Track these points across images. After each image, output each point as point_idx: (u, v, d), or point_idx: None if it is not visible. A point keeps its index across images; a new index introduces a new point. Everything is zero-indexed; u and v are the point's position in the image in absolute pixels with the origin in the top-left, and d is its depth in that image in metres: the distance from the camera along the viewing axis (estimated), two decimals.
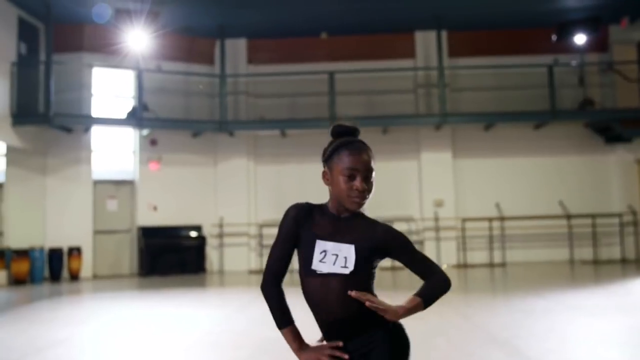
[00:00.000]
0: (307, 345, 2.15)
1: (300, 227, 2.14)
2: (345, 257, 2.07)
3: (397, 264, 2.20)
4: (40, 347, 5.61)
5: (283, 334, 2.19)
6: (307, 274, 2.13)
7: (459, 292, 9.82)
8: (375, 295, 2.06)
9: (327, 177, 2.14)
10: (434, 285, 2.13)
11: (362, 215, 2.14)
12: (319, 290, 2.11)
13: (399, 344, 2.12)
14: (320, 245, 2.10)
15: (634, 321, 6.37)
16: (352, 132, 2.15)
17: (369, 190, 2.09)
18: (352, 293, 2.00)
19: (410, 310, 2.04)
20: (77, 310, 8.71)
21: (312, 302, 2.15)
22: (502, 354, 4.94)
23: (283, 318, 2.20)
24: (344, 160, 2.08)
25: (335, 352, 2.08)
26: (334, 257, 2.08)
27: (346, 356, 2.07)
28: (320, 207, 2.17)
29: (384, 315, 1.99)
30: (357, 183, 2.06)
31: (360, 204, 2.10)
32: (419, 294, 2.08)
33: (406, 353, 2.13)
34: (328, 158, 2.13)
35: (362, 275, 2.07)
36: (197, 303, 9.00)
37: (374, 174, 2.11)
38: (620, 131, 13.92)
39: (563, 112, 13.95)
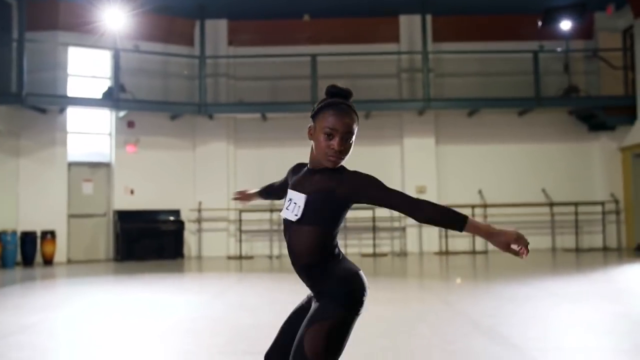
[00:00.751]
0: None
1: (289, 179, 2.43)
2: (298, 206, 2.25)
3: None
4: (4, 334, 5.34)
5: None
6: (282, 220, 2.37)
7: (441, 279, 9.68)
8: (332, 245, 2.23)
9: (311, 132, 2.28)
10: (426, 206, 2.14)
11: (335, 169, 2.25)
12: (285, 234, 2.33)
13: (346, 293, 2.21)
14: (289, 194, 2.32)
15: (618, 308, 6.25)
16: (345, 94, 2.27)
17: (346, 152, 2.23)
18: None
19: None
20: (49, 296, 8.43)
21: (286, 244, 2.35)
22: (485, 341, 4.77)
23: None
24: (327, 120, 2.21)
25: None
26: (293, 205, 2.27)
27: None
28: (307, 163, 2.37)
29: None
30: (335, 142, 2.20)
31: (335, 163, 2.23)
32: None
33: (353, 297, 2.21)
34: (315, 114, 2.28)
35: (314, 224, 2.21)
36: (174, 289, 8.76)
37: (354, 137, 2.24)
38: (604, 119, 13.85)
39: (547, 99, 13.84)
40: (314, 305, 2.25)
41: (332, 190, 2.19)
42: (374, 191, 2.15)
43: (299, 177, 2.35)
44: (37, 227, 12.53)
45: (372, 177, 2.17)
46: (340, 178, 2.20)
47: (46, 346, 4.92)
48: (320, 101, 2.29)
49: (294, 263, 2.29)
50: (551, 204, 13.98)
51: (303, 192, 2.25)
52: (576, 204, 13.81)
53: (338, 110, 2.20)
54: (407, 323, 5.72)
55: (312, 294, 2.32)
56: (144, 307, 7.03)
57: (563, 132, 14.45)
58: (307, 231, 2.22)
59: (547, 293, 7.36)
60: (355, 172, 2.21)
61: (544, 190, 14.22)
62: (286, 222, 2.31)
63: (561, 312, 6.09)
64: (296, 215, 2.24)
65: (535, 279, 8.69)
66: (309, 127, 2.28)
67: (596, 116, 13.93)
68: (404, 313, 6.31)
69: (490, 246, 13.85)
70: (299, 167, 2.45)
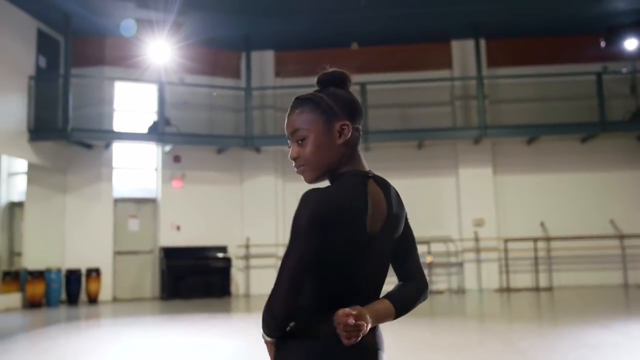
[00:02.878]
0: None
1: None
2: None
3: None
4: None
5: None
6: None
7: (504, 320, 8.88)
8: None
9: None
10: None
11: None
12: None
13: None
14: None
15: None
16: (338, 80, 1.74)
17: (305, 157, 1.66)
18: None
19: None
20: (90, 338, 8.01)
21: None
22: None
23: None
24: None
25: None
26: None
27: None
28: None
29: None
30: (290, 151, 1.71)
31: (304, 175, 1.69)
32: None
33: None
34: None
35: None
36: (220, 330, 8.24)
37: (307, 132, 1.66)
38: None
39: (613, 124, 12.94)
40: None
41: None
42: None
43: None
44: (83, 265, 12.26)
45: (296, 213, 1.57)
46: None
47: None
48: None
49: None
50: (621, 236, 12.99)
51: None
52: None
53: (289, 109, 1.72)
54: None
55: None
56: (188, 351, 6.52)
57: (631, 159, 13.49)
58: None
59: (636, 340, 6.52)
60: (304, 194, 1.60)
61: (612, 222, 13.24)
62: None
63: None
64: None
65: (614, 321, 7.83)
66: None
67: None
68: (456, 355, 5.61)
69: (556, 282, 12.95)
70: None
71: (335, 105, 1.70)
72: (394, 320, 1.68)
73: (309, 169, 1.68)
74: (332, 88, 1.73)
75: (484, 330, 7.83)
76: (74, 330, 8.93)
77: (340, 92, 1.73)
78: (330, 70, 1.75)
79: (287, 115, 1.73)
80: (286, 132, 1.72)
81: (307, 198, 1.56)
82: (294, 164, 1.71)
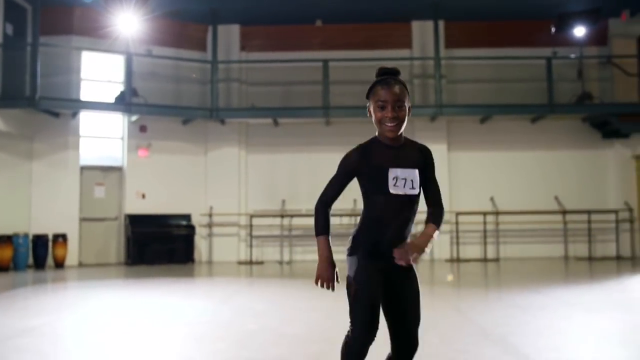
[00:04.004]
0: (331, 259, 2.66)
1: (363, 163, 2.65)
2: (412, 180, 2.64)
3: None
4: (6, 337, 5.33)
5: (318, 241, 2.69)
6: (381, 194, 2.64)
7: (453, 286, 9.58)
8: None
9: (370, 112, 2.67)
10: (440, 214, 2.78)
11: (408, 141, 2.72)
12: (391, 207, 2.64)
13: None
14: (392, 172, 2.62)
15: (634, 318, 6.14)
16: (393, 72, 2.66)
17: (401, 119, 2.60)
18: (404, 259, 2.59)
19: (430, 238, 2.67)
20: (57, 299, 8.43)
21: (376, 217, 2.67)
22: (497, 351, 4.69)
23: (324, 228, 2.69)
24: (378, 94, 2.60)
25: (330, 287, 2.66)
26: (403, 181, 2.62)
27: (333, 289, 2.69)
28: (373, 143, 2.67)
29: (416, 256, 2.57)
30: (387, 112, 2.58)
31: (394, 131, 2.61)
32: (434, 221, 2.73)
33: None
34: (368, 95, 2.66)
35: (419, 193, 2.69)
36: (183, 293, 8.74)
37: (406, 104, 2.62)
38: (618, 126, 13.72)
39: (561, 106, 13.73)
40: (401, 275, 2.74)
41: (422, 165, 2.69)
42: (433, 171, 2.73)
43: (384, 154, 2.64)
44: (49, 230, 12.58)
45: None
46: (424, 154, 2.71)
47: (47, 350, 4.90)
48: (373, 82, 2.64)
49: (386, 234, 2.66)
50: (564, 212, 13.85)
51: (409, 167, 2.64)
52: (589, 212, 13.67)
53: (385, 84, 2.58)
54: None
55: (381, 266, 2.68)
56: (150, 311, 7.00)
57: (576, 140, 14.32)
58: (417, 199, 2.68)
59: (561, 302, 7.26)
60: (427, 149, 2.74)
61: (556, 198, 14.09)
62: (397, 197, 2.63)
63: (575, 322, 5.99)
64: (413, 188, 2.65)
65: (548, 287, 8.58)
66: (367, 107, 2.66)
67: (610, 123, 13.80)
68: None
69: (503, 254, 13.77)
70: (365, 149, 2.66)
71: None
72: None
73: (401, 126, 2.62)
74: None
75: (432, 295, 8.49)
76: (43, 291, 9.32)
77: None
78: (392, 67, 2.67)
79: (389, 85, 2.58)
80: (387, 98, 2.57)
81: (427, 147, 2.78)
82: (389, 120, 2.57)
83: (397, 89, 2.58)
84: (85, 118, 13.36)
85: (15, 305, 7.53)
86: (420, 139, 12.99)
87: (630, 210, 13.86)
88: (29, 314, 6.68)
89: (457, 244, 13.70)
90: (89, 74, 13.54)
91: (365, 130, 12.77)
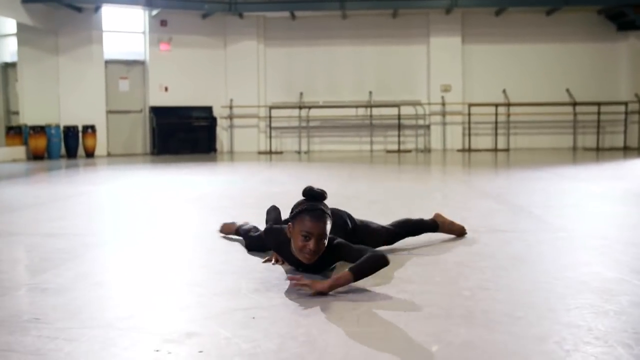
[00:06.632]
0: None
1: (276, 249, 2.91)
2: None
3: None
4: (61, 197, 6.04)
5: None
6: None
7: (461, 167, 10.17)
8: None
9: (290, 230, 2.63)
10: (366, 260, 2.48)
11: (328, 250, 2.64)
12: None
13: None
14: (296, 272, 2.73)
15: (629, 184, 6.70)
16: (320, 197, 2.63)
17: (320, 251, 2.58)
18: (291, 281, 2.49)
19: (337, 282, 2.42)
20: (94, 177, 9.16)
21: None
22: (492, 202, 5.31)
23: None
24: (304, 224, 2.54)
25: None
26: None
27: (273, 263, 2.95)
28: (284, 244, 2.76)
29: (309, 289, 2.41)
30: (311, 245, 2.55)
31: (310, 261, 2.61)
32: (351, 268, 2.46)
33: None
34: (293, 217, 2.61)
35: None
36: (209, 172, 9.42)
37: (327, 237, 2.59)
38: (633, 17, 13.75)
39: None
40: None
41: (334, 261, 2.75)
42: (348, 247, 2.63)
43: (293, 262, 2.78)
44: (78, 122, 13.21)
45: (344, 242, 2.69)
46: (334, 253, 2.65)
47: (96, 203, 5.61)
48: (298, 203, 2.64)
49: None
50: (574, 104, 14.19)
51: (316, 273, 2.71)
52: (599, 104, 13.99)
53: (313, 216, 2.54)
54: (423, 193, 6.27)
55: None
56: (181, 183, 7.69)
57: (591, 32, 14.44)
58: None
59: (558, 175, 7.83)
60: (338, 245, 2.64)
61: (568, 90, 14.39)
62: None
63: (569, 187, 6.57)
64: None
65: (550, 167, 9.15)
66: (288, 225, 2.66)
67: (626, 15, 13.84)
68: (422, 187, 6.87)
69: (513, 144, 14.26)
70: (280, 246, 2.84)
71: None
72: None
73: (318, 255, 2.60)
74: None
75: (442, 173, 9.10)
76: (78, 172, 10.06)
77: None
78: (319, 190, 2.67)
79: (316, 218, 2.54)
80: (313, 231, 2.53)
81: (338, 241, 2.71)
82: (309, 251, 2.55)
83: (323, 222, 2.54)
84: (108, 12, 13.68)
85: (61, 180, 8.28)
86: (435, 32, 13.29)
87: None
88: (75, 185, 7.42)
89: (469, 135, 14.19)
90: None
91: (380, 23, 13.30)
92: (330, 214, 2.63)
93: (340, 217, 3.01)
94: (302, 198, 2.65)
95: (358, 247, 2.59)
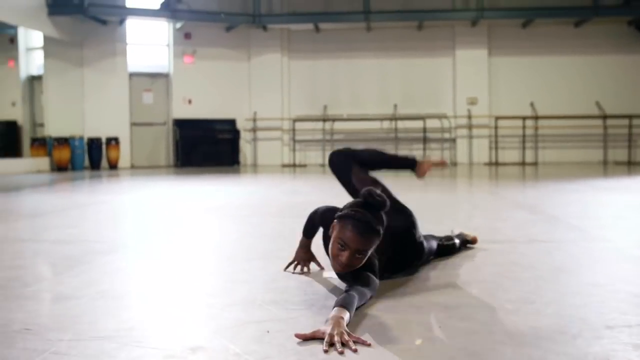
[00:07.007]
0: (309, 247, 2.82)
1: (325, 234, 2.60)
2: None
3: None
4: (79, 205, 5.92)
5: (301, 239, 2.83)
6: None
7: (489, 179, 9.89)
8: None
9: (332, 230, 2.25)
10: (361, 299, 2.11)
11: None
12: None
13: None
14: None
15: None
16: (378, 205, 2.20)
17: (354, 267, 2.21)
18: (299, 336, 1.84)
19: (341, 322, 1.88)
20: (117, 187, 9.06)
21: None
22: (526, 213, 5.05)
23: (307, 232, 2.81)
24: (345, 233, 2.18)
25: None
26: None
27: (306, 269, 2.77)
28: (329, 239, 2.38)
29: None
30: (344, 257, 2.19)
31: (340, 271, 2.28)
32: (349, 308, 1.98)
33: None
34: (340, 217, 2.24)
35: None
36: (232, 183, 9.27)
37: (369, 252, 2.21)
38: None
39: (605, 8, 13.47)
40: None
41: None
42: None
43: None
44: (102, 134, 13.21)
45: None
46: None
47: (116, 211, 5.47)
48: (352, 204, 2.26)
49: None
50: (604, 117, 13.83)
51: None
52: (630, 117, 13.63)
53: (356, 227, 2.16)
54: (452, 203, 6.03)
55: None
56: (202, 194, 7.55)
57: (620, 44, 14.11)
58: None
59: (593, 187, 7.54)
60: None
61: (597, 103, 14.04)
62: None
63: (604, 198, 6.29)
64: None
65: (583, 179, 8.83)
66: (332, 225, 2.26)
67: None
68: (450, 197, 6.63)
69: (541, 158, 13.92)
70: (326, 233, 2.54)
71: None
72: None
73: (348, 270, 2.23)
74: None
75: (470, 185, 8.85)
76: (101, 183, 9.98)
77: None
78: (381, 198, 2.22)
79: (362, 233, 2.15)
80: (351, 245, 2.16)
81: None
82: (341, 263, 2.19)
83: (367, 239, 2.17)
84: (132, 25, 13.71)
85: (82, 190, 8.19)
86: (461, 44, 13.11)
87: None
88: (93, 195, 7.31)
89: (496, 148, 13.89)
90: None
91: (405, 36, 13.09)
92: (380, 229, 2.21)
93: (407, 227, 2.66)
94: (360, 200, 2.25)
95: (365, 278, 2.23)
